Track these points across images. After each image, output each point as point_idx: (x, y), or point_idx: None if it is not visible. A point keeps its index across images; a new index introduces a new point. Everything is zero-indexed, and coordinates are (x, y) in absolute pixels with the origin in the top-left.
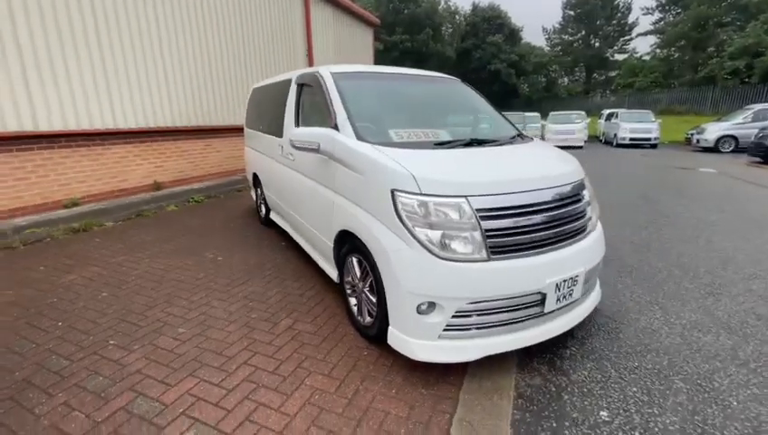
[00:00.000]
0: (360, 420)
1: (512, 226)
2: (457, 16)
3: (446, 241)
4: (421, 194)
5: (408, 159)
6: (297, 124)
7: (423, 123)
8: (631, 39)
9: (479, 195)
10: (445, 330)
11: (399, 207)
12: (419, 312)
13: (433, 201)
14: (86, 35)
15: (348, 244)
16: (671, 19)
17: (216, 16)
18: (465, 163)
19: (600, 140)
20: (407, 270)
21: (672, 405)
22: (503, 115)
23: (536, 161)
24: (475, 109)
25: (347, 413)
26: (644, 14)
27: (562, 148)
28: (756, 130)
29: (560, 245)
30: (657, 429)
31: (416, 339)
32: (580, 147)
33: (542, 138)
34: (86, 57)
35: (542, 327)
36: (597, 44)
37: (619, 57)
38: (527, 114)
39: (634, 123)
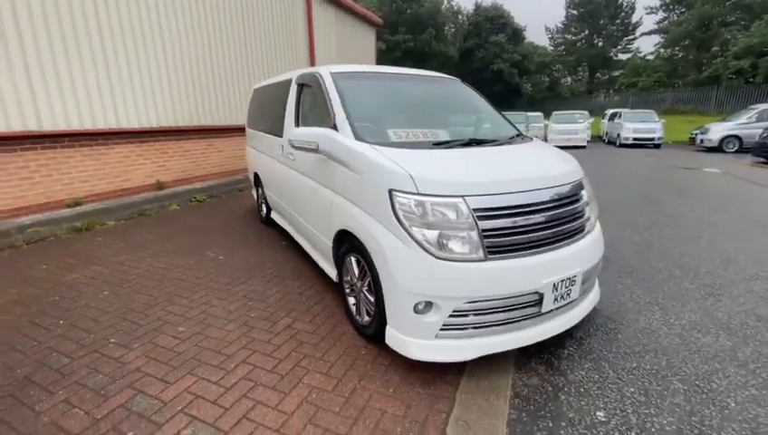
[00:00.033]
0: (357, 418)
1: (509, 226)
2: (460, 16)
3: (444, 241)
4: (418, 194)
5: (405, 159)
6: (297, 124)
7: (422, 123)
8: (635, 38)
9: (476, 195)
10: (442, 329)
11: (397, 206)
12: (416, 311)
13: (430, 201)
14: (89, 37)
15: (346, 243)
16: (675, 18)
17: (220, 18)
18: (463, 163)
19: (604, 140)
20: (404, 269)
21: (669, 406)
22: (502, 115)
23: (535, 161)
24: (475, 109)
25: (344, 412)
26: (648, 14)
27: (565, 148)
28: (760, 130)
29: (557, 245)
30: (653, 429)
31: (413, 338)
32: (584, 147)
33: (546, 137)
34: (89, 58)
35: (540, 327)
36: (600, 44)
37: (623, 57)
38: (530, 114)
39: (637, 123)
